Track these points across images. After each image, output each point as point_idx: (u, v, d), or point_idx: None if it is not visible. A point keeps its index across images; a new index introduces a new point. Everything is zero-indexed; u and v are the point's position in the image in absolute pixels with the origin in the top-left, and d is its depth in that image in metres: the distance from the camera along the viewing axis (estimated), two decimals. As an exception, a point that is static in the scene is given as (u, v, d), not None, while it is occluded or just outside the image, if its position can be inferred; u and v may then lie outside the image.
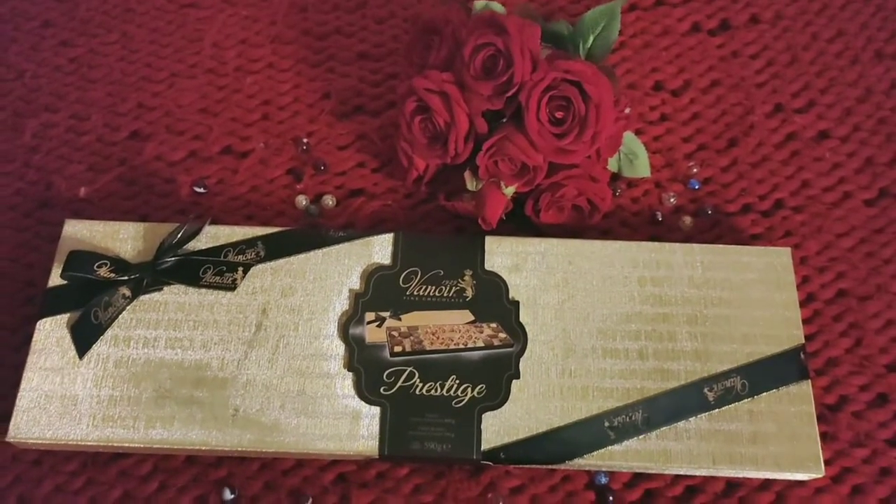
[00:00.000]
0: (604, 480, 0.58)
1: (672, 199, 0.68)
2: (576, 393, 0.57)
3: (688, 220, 0.68)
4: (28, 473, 0.58)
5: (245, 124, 0.71)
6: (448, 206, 0.65)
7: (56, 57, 0.74)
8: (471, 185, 0.62)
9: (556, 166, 0.60)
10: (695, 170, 0.70)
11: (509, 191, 0.61)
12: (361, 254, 0.61)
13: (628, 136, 0.67)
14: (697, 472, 0.56)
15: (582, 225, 0.65)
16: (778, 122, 0.72)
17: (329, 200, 0.67)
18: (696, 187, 0.69)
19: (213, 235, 0.61)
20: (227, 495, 0.57)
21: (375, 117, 0.72)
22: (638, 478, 0.58)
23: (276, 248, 0.61)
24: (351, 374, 0.57)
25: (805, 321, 0.62)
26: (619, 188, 0.69)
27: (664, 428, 0.56)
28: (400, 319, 0.59)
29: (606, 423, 0.56)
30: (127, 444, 0.55)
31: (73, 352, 0.57)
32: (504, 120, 0.60)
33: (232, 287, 0.59)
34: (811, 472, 0.55)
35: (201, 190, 0.68)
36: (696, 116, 0.73)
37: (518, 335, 0.58)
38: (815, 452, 0.55)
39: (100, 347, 0.58)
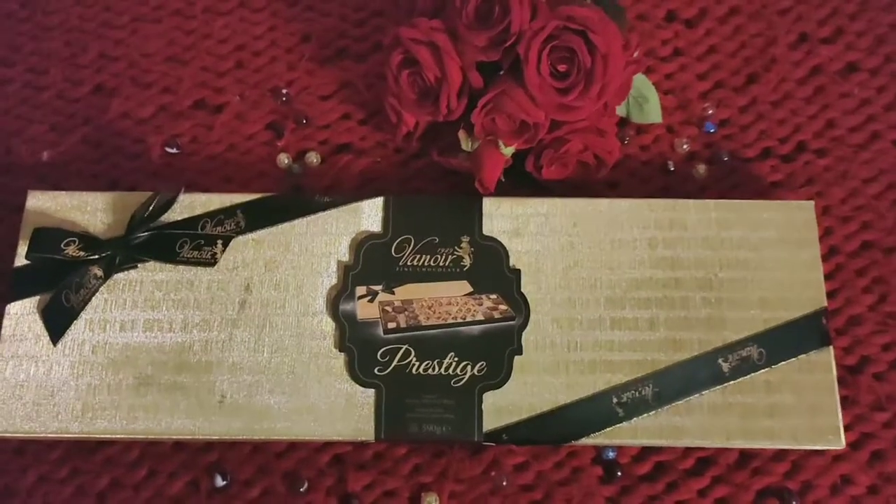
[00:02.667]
0: (611, 455, 0.56)
1: (685, 146, 0.64)
2: (582, 368, 0.54)
3: (702, 167, 0.63)
4: (11, 463, 0.56)
5: (218, 74, 0.66)
6: (442, 161, 0.61)
7: (7, 2, 0.68)
8: (465, 144, 0.57)
9: (560, 121, 0.55)
10: (710, 111, 0.65)
11: (508, 151, 0.56)
12: (350, 221, 0.57)
13: (638, 78, 0.62)
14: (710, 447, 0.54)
15: (588, 179, 0.61)
16: (802, 55, 0.67)
17: (313, 158, 0.63)
18: (712, 131, 0.64)
19: (188, 205, 0.57)
20: (219, 482, 0.55)
21: (361, 62, 0.66)
22: (647, 451, 0.56)
23: (257, 218, 0.57)
24: (343, 354, 0.54)
25: (826, 277, 0.58)
26: (628, 135, 0.64)
27: (676, 403, 0.54)
28: (393, 293, 0.56)
29: (615, 400, 0.54)
30: (109, 436, 0.53)
31: (46, 337, 0.54)
32: (501, 73, 0.55)
33: (212, 262, 0.56)
34: (831, 444, 0.53)
35: (174, 150, 0.63)
36: (712, 50, 0.67)
37: (520, 307, 0.55)
38: (835, 424, 0.53)
39: (74, 332, 0.55)
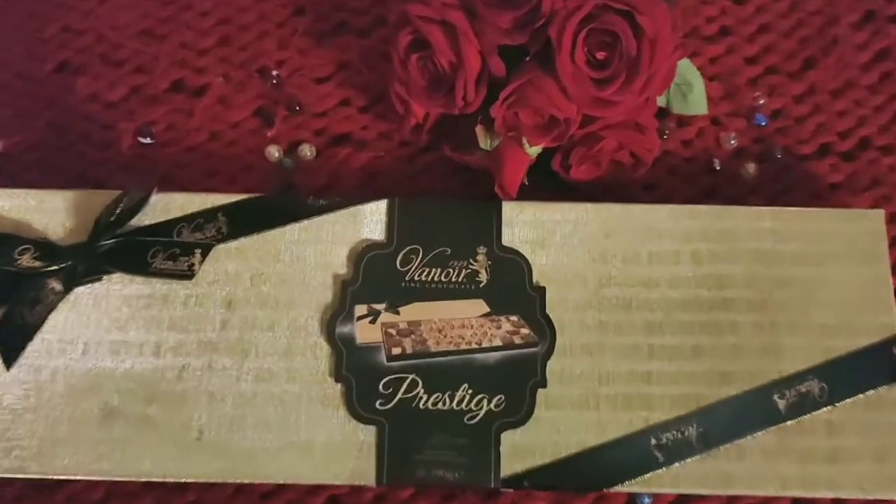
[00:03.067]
0: (647, 501, 0.49)
1: (732, 141, 0.56)
2: (615, 403, 0.47)
3: (751, 166, 0.55)
4: (-41, 502, 0.49)
5: (198, 52, 0.57)
6: (455, 157, 0.53)
7: (-43, -35, 0.60)
8: (484, 142, 0.49)
9: (593, 116, 0.48)
10: (761, 101, 0.57)
11: (533, 150, 0.49)
12: (348, 227, 0.50)
13: (682, 62, 0.54)
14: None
15: (622, 179, 0.53)
16: (867, 36, 0.59)
17: (307, 151, 0.55)
18: (763, 123, 0.56)
19: (162, 207, 0.50)
20: (197, 527, 0.49)
21: (362, 37, 0.58)
22: (687, 498, 0.49)
23: (241, 222, 0.50)
24: (339, 384, 0.47)
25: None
26: (668, 128, 0.56)
27: (724, 446, 0.46)
28: (398, 313, 0.48)
29: (653, 441, 0.47)
30: (70, 476, 0.46)
31: (-3, 361, 0.47)
32: (527, 59, 0.46)
33: (189, 275, 0.48)
34: (901, 495, 0.46)
35: (147, 140, 0.55)
36: (763, 30, 0.59)
37: (544, 331, 0.48)
38: (906, 472, 0.46)
39: (30, 355, 0.47)
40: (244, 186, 0.54)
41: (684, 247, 0.50)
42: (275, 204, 0.50)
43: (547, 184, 0.53)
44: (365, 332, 0.48)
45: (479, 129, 0.49)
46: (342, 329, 0.48)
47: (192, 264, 0.48)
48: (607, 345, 0.48)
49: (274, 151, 0.55)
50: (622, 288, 0.49)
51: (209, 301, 0.48)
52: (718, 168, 0.55)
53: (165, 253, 0.49)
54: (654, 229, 0.50)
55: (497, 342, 0.48)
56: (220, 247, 0.49)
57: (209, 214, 0.50)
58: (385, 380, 0.47)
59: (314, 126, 0.56)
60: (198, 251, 0.49)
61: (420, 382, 0.47)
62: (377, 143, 0.56)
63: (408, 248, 0.49)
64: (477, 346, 0.48)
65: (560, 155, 0.51)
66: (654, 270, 0.49)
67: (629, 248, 0.50)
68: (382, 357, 0.47)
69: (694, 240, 0.50)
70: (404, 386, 0.47)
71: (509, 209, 0.50)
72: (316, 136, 0.56)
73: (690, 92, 0.54)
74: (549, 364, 0.48)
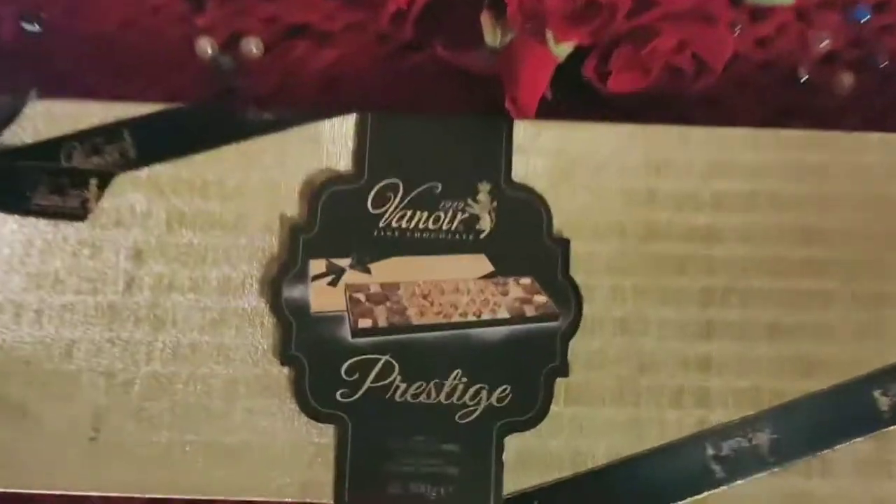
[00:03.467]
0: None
1: (824, 43, 0.42)
2: (661, 399, 0.35)
3: (847, 77, 0.41)
4: None
5: None
6: (450, 58, 0.39)
7: None
8: (492, 36, 0.35)
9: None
10: (862, -11, 0.43)
11: (561, 49, 0.35)
12: (303, 152, 0.37)
13: (763, -70, 0.40)
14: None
15: (676, 92, 0.39)
16: None
17: (251, 46, 0.41)
18: (863, 20, 0.42)
19: (45, 120, 0.36)
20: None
21: None
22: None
23: (155, 143, 0.36)
24: (286, 368, 0.35)
25: None
26: (738, 24, 0.42)
27: (805, 458, 0.35)
28: (369, 272, 0.36)
29: (710, 451, 0.35)
30: (-79, 486, 0.35)
31: None
32: (557, -89, 0.32)
33: (81, 214, 0.35)
34: None
35: (34, 27, 0.41)
36: None
37: (566, 299, 0.35)
38: None
39: None
40: (164, 93, 0.40)
41: (760, 185, 0.37)
42: (201, 118, 0.37)
43: (574, 98, 0.39)
44: (323, 298, 0.35)
45: (484, 19, 0.35)
46: (291, 292, 0.35)
47: (87, 200, 0.35)
48: (651, 319, 0.36)
49: (206, 45, 0.41)
50: (673, 242, 0.36)
51: (109, 251, 0.36)
52: (804, 79, 0.42)
53: (50, 184, 0.35)
54: (717, 161, 0.37)
55: (502, 313, 0.35)
56: (126, 176, 0.36)
57: (111, 131, 0.36)
58: (349, 362, 0.35)
59: (261, 13, 0.41)
60: (94, 181, 0.36)
61: (396, 367, 0.35)
62: (345, 38, 0.41)
63: (383, 183, 0.36)
64: (475, 319, 0.35)
65: (596, 57, 0.37)
66: (718, 218, 0.36)
67: (684, 187, 0.37)
68: (346, 331, 0.35)
69: (772, 176, 0.37)
70: (375, 371, 0.35)
71: (523, 130, 0.36)
72: (264, 26, 0.42)
73: (772, -27, 0.40)
74: (572, 344, 0.35)
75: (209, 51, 0.41)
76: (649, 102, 0.40)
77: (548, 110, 0.37)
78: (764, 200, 0.36)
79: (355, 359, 0.35)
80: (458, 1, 0.36)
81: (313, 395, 0.35)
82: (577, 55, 0.37)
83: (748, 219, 0.36)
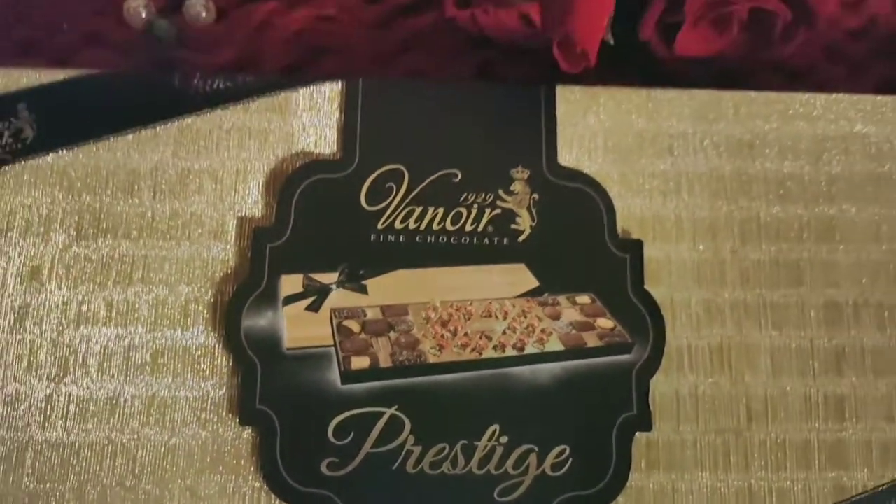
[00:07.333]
0: None
1: (926, 4, 0.35)
2: (778, 458, 0.26)
3: (956, 47, 0.34)
4: None
5: None
6: (464, 19, 0.31)
7: None
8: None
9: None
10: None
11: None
12: (270, 130, 0.28)
13: None
14: None
15: (756, 58, 0.31)
16: None
17: (199, 8, 0.32)
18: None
19: (-88, 89, 0.27)
20: None
21: None
22: None
23: (62, 120, 0.27)
24: (247, 430, 0.25)
25: None
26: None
27: None
28: (365, 290, 0.26)
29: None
30: None
31: None
32: None
33: (-44, 216, 0.26)
34: None
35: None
36: None
37: (641, 321, 0.26)
38: None
39: None
40: (85, 65, 0.31)
41: (890, 167, 0.28)
42: (127, 87, 0.28)
43: (623, 68, 0.31)
44: (300, 328, 0.26)
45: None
46: (255, 321, 0.25)
47: (-36, 197, 0.26)
48: (759, 347, 0.27)
49: (139, 8, 0.32)
50: (787, 244, 0.27)
51: (-6, 267, 0.26)
52: (909, 46, 0.34)
53: (-87, 175, 0.26)
54: (834, 137, 0.29)
55: (554, 344, 0.26)
56: (20, 165, 0.27)
57: (1, 105, 0.27)
58: (339, 419, 0.25)
59: (214, -31, 0.33)
60: (-26, 172, 0.26)
61: (407, 423, 0.25)
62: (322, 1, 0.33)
63: (381, 171, 0.27)
64: (516, 354, 0.26)
65: (656, 11, 0.29)
66: (840, 210, 0.28)
67: (789, 169, 0.28)
68: (335, 375, 0.25)
69: (902, 154, 0.29)
70: (377, 430, 0.25)
71: (571, 97, 0.28)
72: (217, -14, 0.33)
73: (865, -88, 0.33)
74: (654, 385, 0.26)
75: (143, 14, 0.32)
76: (722, 74, 0.32)
77: (592, 77, 0.29)
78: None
79: (348, 413, 0.25)
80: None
81: (288, 469, 0.25)
82: (629, 9, 0.29)
83: (879, 210, 0.28)
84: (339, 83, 0.28)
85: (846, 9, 0.35)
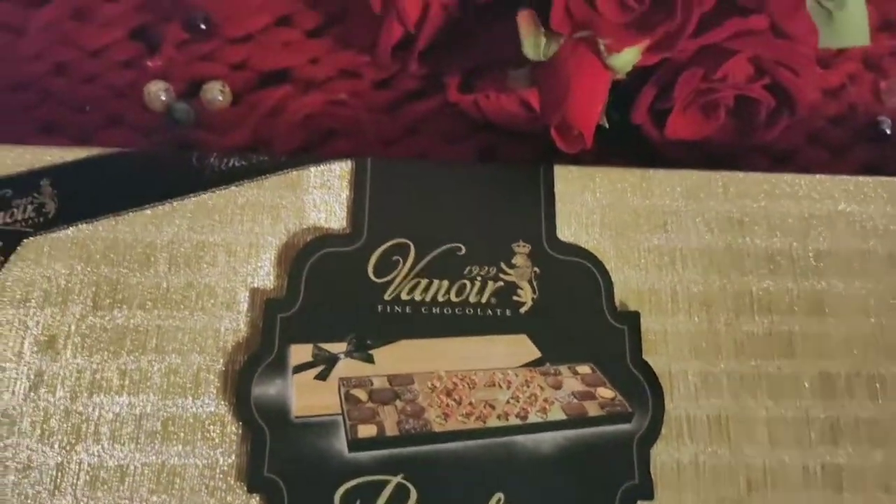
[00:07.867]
0: None
1: (902, 93, 0.37)
2: (785, 530, 0.26)
3: (933, 131, 0.36)
4: None
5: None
6: (466, 103, 0.33)
7: None
8: (532, 45, 0.29)
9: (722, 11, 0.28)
10: (935, 36, 0.38)
11: (622, 61, 0.28)
12: (281, 205, 0.29)
13: (828, -39, 0.35)
14: None
15: (743, 142, 0.33)
16: None
17: (216, 93, 0.34)
18: (940, 70, 0.38)
19: (-61, 166, 0.28)
20: None
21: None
22: None
23: (81, 196, 0.28)
24: (255, 497, 0.25)
25: None
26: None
27: None
28: (372, 360, 0.27)
29: None
30: None
31: None
32: None
33: (-24, 287, 0.27)
34: None
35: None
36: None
37: (641, 391, 0.27)
38: None
39: None
40: (103, 145, 0.32)
41: (874, 243, 0.30)
42: (145, 165, 0.29)
43: (618, 150, 0.33)
44: (308, 397, 0.26)
45: (523, 19, 0.28)
46: (264, 390, 0.26)
47: (-15, 268, 0.27)
48: (756, 417, 0.27)
49: (160, 92, 0.34)
50: (779, 316, 0.29)
51: (11, 336, 0.27)
52: (888, 131, 0.36)
53: (-63, 247, 0.27)
54: (818, 216, 0.30)
55: (556, 413, 0.27)
56: (40, 238, 0.28)
57: (26, 180, 0.28)
58: (346, 487, 0.25)
59: (231, 57, 0.35)
60: (-4, 244, 0.27)
61: (413, 492, 0.26)
62: (335, 84, 0.35)
63: (389, 244, 0.28)
64: (519, 422, 0.26)
65: (648, 93, 0.31)
66: (828, 284, 0.29)
67: (778, 246, 0.30)
68: (342, 443, 0.26)
69: (889, 231, 0.30)
70: (383, 498, 0.25)
71: (569, 176, 0.30)
72: (232, 72, 0.35)
73: (841, 8, 0.35)
74: (654, 454, 0.26)
75: (162, 97, 0.34)
76: (710, 156, 0.34)
77: (588, 158, 0.30)
78: (881, 261, 0.30)
79: (355, 482, 0.25)
80: (478, 21, 0.30)
81: (294, 537, 0.25)
82: (621, 92, 0.31)
83: (865, 285, 0.29)
84: (349, 162, 0.30)
85: (827, 97, 0.37)
